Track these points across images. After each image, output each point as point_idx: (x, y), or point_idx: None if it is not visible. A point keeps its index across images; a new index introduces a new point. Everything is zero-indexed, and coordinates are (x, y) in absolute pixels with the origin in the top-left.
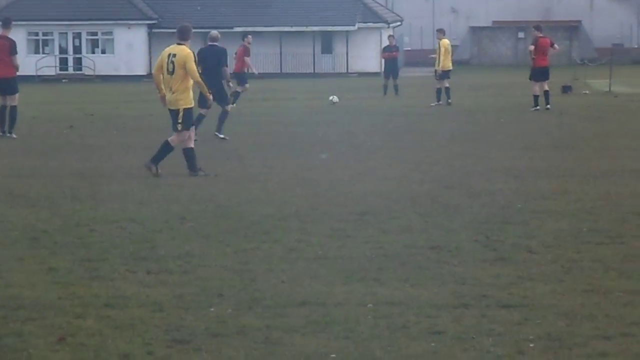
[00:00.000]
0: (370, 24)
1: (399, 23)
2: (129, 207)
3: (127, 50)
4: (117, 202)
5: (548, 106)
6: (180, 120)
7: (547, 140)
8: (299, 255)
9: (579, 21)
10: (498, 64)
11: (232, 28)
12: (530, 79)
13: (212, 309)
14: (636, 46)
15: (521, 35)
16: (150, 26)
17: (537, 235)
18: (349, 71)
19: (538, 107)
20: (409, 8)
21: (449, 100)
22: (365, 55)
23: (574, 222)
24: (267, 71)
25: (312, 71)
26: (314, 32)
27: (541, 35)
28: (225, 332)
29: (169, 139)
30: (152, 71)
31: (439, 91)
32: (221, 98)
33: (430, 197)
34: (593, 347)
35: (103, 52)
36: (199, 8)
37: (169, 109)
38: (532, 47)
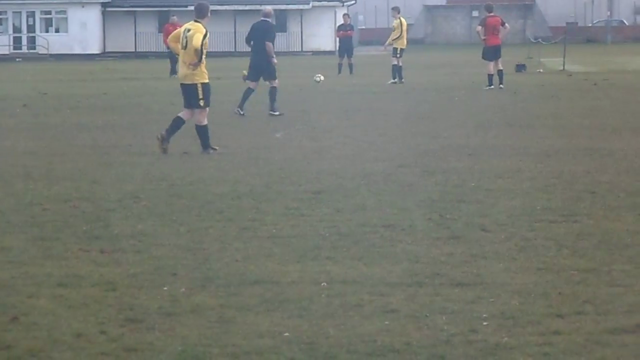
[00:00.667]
0: (325, 3)
1: (353, 2)
2: (83, 186)
3: (81, 29)
4: (70, 181)
5: (501, 85)
6: (201, 97)
7: (501, 118)
8: (252, 234)
9: (533, 0)
10: (452, 43)
11: (186, 7)
12: (483, 58)
13: (165, 288)
14: (590, 25)
15: (475, 14)
16: (104, 5)
17: (491, 213)
18: (304, 50)
19: (492, 86)
20: None
21: (402, 80)
22: (320, 33)
23: (527, 200)
24: (221, 50)
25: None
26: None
27: (491, 14)
28: (178, 311)
29: (196, 122)
30: (169, 38)
31: (394, 68)
32: (269, 74)
33: (384, 175)
34: (546, 325)
35: (57, 31)
36: None
37: (182, 84)
38: (479, 28)
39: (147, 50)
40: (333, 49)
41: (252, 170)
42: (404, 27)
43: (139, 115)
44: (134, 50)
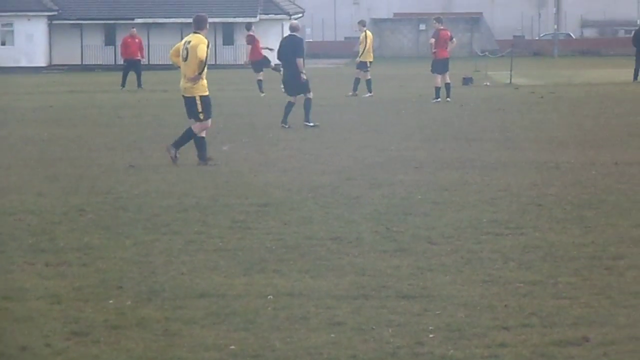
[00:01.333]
0: (272, 16)
1: (300, 15)
2: (28, 199)
3: (27, 42)
4: (16, 193)
5: (448, 98)
6: (200, 110)
7: (448, 131)
8: (199, 247)
9: (480, 13)
10: (400, 56)
11: (133, 19)
12: (432, 71)
13: (111, 301)
14: (537, 38)
15: (422, 27)
16: (50, 18)
17: (437, 226)
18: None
19: (439, 99)
20: (310, 0)
21: (356, 92)
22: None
23: (474, 213)
24: (168, 62)
25: (214, 62)
26: (215, 23)
27: (442, 27)
28: (124, 324)
29: (192, 126)
30: (169, 52)
31: (369, 82)
32: (301, 87)
33: (331, 188)
34: (492, 338)
35: (3, 43)
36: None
37: (183, 96)
38: (432, 40)
39: (93, 63)
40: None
41: (198, 183)
42: (369, 41)
43: (85, 128)
44: (80, 63)
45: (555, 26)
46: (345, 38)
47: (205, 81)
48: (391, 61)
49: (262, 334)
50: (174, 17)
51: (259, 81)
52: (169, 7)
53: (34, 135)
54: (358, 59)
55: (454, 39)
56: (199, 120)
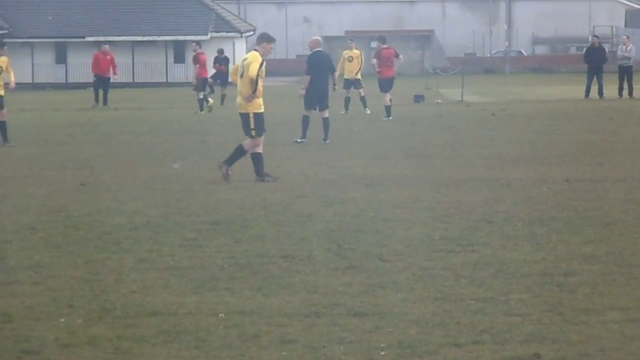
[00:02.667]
0: (223, 34)
1: (252, 33)
2: None
3: None
4: None
5: (390, 117)
6: (252, 126)
7: (399, 149)
8: (150, 265)
9: (432, 30)
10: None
11: (84, 37)
12: (380, 90)
13: (62, 320)
14: (488, 55)
15: (374, 44)
16: (1, 36)
17: (389, 243)
18: None
19: (391, 117)
20: (261, 18)
21: (348, 110)
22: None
23: (425, 230)
24: (119, 80)
25: (165, 80)
26: (166, 41)
27: (384, 46)
28: (75, 342)
29: (243, 143)
30: (231, 71)
31: (363, 100)
32: (325, 104)
33: (282, 206)
34: (444, 355)
35: None
36: (50, 18)
37: (239, 112)
38: (374, 61)
39: (44, 81)
40: (231, 80)
41: (149, 201)
42: (362, 59)
43: (36, 147)
44: (31, 81)
45: (507, 43)
46: (297, 56)
47: (260, 99)
48: (343, 78)
49: (213, 352)
50: (125, 35)
51: (202, 99)
52: (120, 25)
53: None
54: (352, 77)
55: (400, 56)
56: (250, 136)
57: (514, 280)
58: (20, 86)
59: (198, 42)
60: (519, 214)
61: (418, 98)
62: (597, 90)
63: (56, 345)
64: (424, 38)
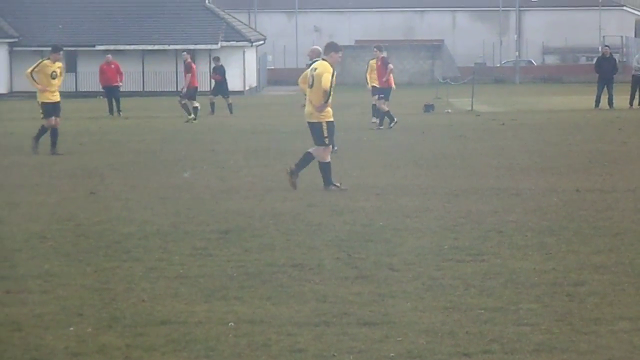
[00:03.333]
0: (233, 43)
1: (262, 42)
2: None
3: None
4: None
5: (382, 126)
6: (325, 134)
7: (409, 158)
8: (160, 274)
9: (442, 40)
10: (361, 83)
11: (94, 46)
12: (386, 99)
13: (71, 328)
14: (498, 65)
15: (385, 54)
16: (11, 44)
17: (399, 252)
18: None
19: (396, 120)
20: (272, 27)
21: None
22: (229, 73)
23: (435, 239)
24: (129, 89)
25: (175, 89)
26: (176, 50)
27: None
28: (85, 351)
29: (311, 150)
30: (299, 80)
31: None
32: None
33: (292, 215)
34: None
35: None
36: (60, 26)
37: (308, 122)
38: (392, 67)
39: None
40: (242, 89)
41: (159, 210)
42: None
43: (46, 156)
44: None
45: (517, 53)
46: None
47: (330, 108)
48: (353, 88)
49: None
50: (136, 44)
51: (195, 108)
52: (130, 34)
53: None
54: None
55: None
56: (323, 144)
57: (524, 289)
58: (30, 94)
59: (189, 52)
60: (529, 224)
61: (428, 107)
62: (607, 100)
63: (66, 353)
64: (434, 48)
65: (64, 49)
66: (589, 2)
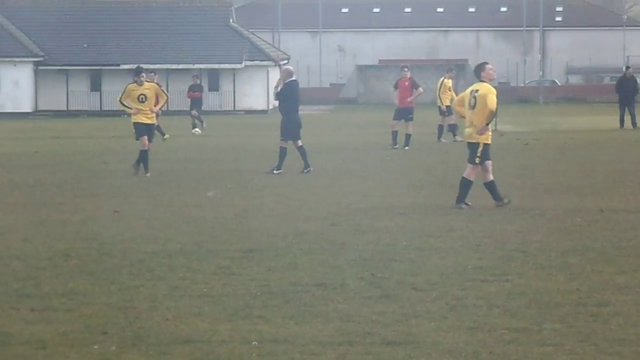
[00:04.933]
0: (257, 62)
1: (286, 61)
2: (13, 244)
3: (13, 87)
4: (1, 239)
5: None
6: (478, 154)
7: (433, 178)
8: (183, 292)
9: (466, 60)
10: (384, 102)
11: (118, 66)
12: (412, 119)
13: (96, 347)
14: (522, 85)
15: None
16: (36, 63)
17: (422, 272)
18: (236, 109)
19: (397, 146)
20: (295, 46)
21: (455, 137)
22: (252, 93)
23: (459, 259)
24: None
25: (199, 108)
26: (200, 69)
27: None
28: None
29: (464, 174)
30: (453, 103)
31: (448, 127)
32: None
33: (316, 234)
34: None
35: None
36: (85, 45)
37: (468, 142)
38: (422, 90)
39: (79, 108)
40: (265, 108)
41: (183, 229)
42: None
43: (70, 174)
44: (66, 108)
45: (541, 73)
46: (331, 84)
47: (489, 130)
48: (376, 107)
49: None
50: (160, 63)
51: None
52: (155, 53)
53: (20, 181)
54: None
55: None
56: (473, 163)
57: (548, 310)
58: (55, 113)
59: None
60: (553, 244)
61: (451, 127)
62: (630, 121)
63: None
64: (458, 67)
65: (90, 67)
66: (613, 22)
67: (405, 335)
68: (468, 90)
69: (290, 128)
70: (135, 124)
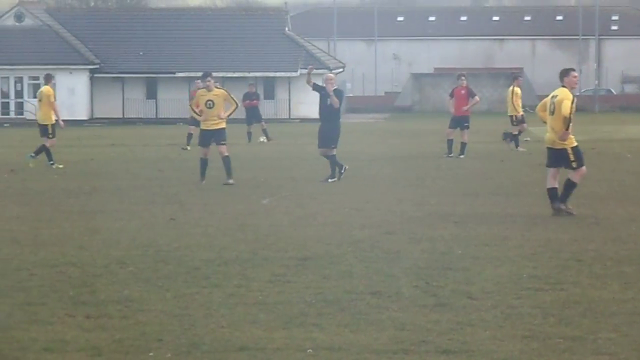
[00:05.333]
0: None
1: (341, 69)
2: (69, 251)
3: (69, 95)
4: (57, 246)
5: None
6: (572, 159)
7: (488, 186)
8: (238, 300)
9: (521, 68)
10: (440, 110)
11: (174, 73)
12: (467, 127)
13: (151, 354)
14: (577, 93)
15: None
16: (92, 71)
17: (477, 281)
18: (291, 117)
19: (452, 154)
20: (351, 54)
21: (518, 147)
22: (307, 101)
23: (514, 268)
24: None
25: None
26: (256, 77)
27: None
28: None
29: (570, 177)
30: (536, 108)
31: (512, 136)
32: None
33: (371, 242)
34: None
35: None
36: (141, 53)
37: (550, 147)
38: (478, 99)
39: (134, 116)
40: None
41: (238, 237)
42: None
43: (126, 181)
44: (121, 116)
45: (596, 82)
46: (386, 92)
47: (571, 135)
48: (432, 115)
49: None
50: (215, 71)
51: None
52: (210, 61)
53: (75, 188)
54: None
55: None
56: (572, 169)
57: (603, 319)
58: (111, 121)
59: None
60: (608, 253)
61: (507, 135)
62: None
63: None
64: (513, 76)
65: (145, 75)
66: None
67: (460, 344)
68: (549, 96)
69: (336, 135)
70: (200, 130)
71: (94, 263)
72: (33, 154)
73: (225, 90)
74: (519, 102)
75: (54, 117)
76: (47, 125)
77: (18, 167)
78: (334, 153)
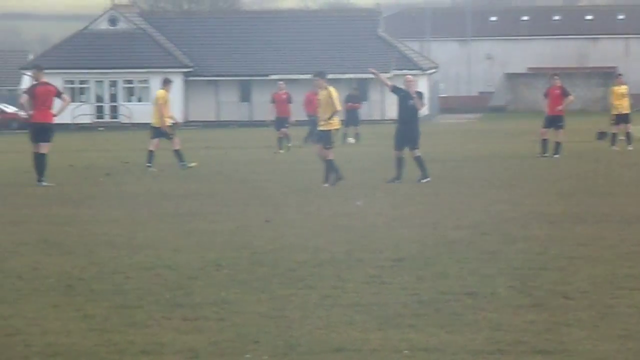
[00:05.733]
0: (406, 71)
1: (434, 70)
2: (165, 254)
3: None
4: (152, 249)
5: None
6: None
7: (583, 186)
8: (334, 301)
9: (615, 67)
10: (534, 110)
11: (267, 76)
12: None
13: (247, 356)
14: None
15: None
16: (186, 74)
17: (573, 281)
18: (385, 118)
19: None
20: (444, 55)
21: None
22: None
23: (609, 267)
24: (301, 118)
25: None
26: (349, 79)
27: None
28: None
29: None
30: None
31: (613, 136)
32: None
33: (465, 243)
34: None
35: (139, 100)
36: (234, 56)
37: None
38: (572, 98)
39: (229, 119)
40: None
41: (333, 238)
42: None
43: (220, 184)
44: (215, 119)
45: None
46: (480, 93)
47: None
48: (526, 115)
49: None
50: (308, 73)
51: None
52: (304, 64)
53: (170, 191)
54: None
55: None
56: None
57: None
58: (205, 123)
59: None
60: None
61: (601, 135)
62: None
63: None
64: (607, 74)
65: (239, 78)
66: None
67: (557, 344)
68: None
69: (415, 136)
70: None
71: (189, 265)
72: (183, 162)
73: (331, 92)
74: (615, 102)
75: (168, 120)
76: (159, 127)
77: (113, 170)
78: (419, 154)
